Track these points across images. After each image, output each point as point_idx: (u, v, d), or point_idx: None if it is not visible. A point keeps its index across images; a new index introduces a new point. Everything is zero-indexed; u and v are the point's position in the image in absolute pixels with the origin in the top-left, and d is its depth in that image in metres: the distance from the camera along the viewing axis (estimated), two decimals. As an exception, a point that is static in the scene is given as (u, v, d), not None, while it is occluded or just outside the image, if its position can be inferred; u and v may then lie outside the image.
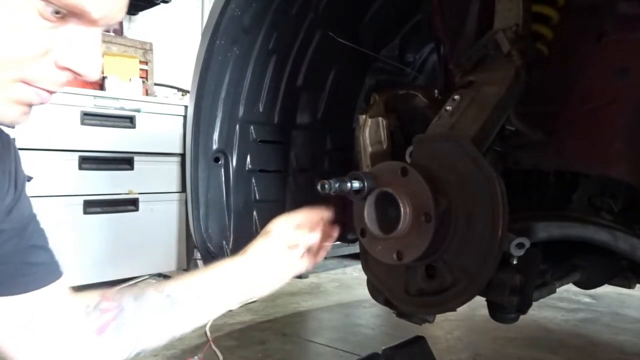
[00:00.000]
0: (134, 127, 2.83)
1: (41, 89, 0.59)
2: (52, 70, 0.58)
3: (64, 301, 0.86)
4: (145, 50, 3.45)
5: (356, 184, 0.94)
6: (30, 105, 0.60)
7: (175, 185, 3.03)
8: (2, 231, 0.78)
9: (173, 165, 3.03)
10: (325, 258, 4.13)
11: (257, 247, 0.98)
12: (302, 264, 1.02)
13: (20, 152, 2.55)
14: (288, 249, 0.98)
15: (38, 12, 0.54)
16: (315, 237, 1.01)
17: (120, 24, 3.62)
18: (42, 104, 0.61)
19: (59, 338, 0.83)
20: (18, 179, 0.81)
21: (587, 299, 3.04)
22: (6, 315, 0.81)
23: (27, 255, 0.82)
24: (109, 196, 2.72)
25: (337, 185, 0.98)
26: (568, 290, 2.97)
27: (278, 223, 1.01)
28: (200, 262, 2.86)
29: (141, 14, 3.86)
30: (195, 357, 2.06)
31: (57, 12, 0.55)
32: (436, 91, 1.31)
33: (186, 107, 2.95)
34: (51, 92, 0.61)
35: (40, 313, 0.82)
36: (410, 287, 1.07)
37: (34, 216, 0.85)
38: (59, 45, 0.57)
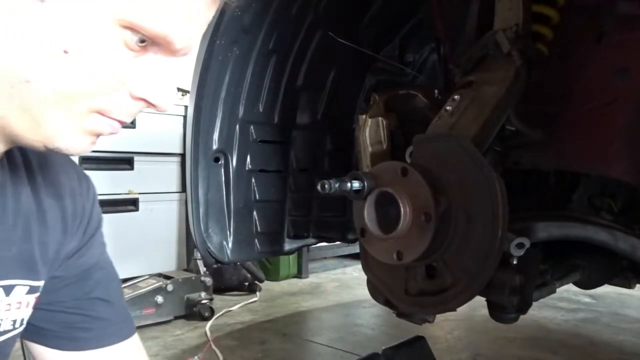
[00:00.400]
0: (134, 127, 2.83)
1: (114, 119, 0.57)
2: (127, 101, 0.56)
3: None
4: (145, 50, 3.45)
5: (356, 184, 0.94)
6: (99, 136, 0.58)
7: (175, 185, 3.03)
8: (57, 277, 0.72)
9: (173, 165, 3.03)
10: (325, 258, 4.14)
11: None
12: None
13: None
14: None
15: (123, 42, 0.52)
16: None
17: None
18: (112, 134, 0.59)
19: None
20: (91, 223, 0.77)
21: (587, 299, 3.04)
22: None
23: (88, 307, 0.76)
24: (109, 196, 2.72)
25: (337, 185, 0.98)
26: (568, 290, 2.97)
27: None
28: (200, 262, 2.86)
29: (141, 14, 3.86)
30: (195, 357, 2.06)
31: (141, 42, 0.53)
32: (436, 91, 1.31)
33: (186, 107, 2.95)
34: (122, 123, 0.58)
35: None
36: (410, 287, 1.07)
37: (102, 266, 0.79)
38: (136, 75, 0.55)
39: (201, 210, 1.47)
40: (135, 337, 0.82)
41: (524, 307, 1.05)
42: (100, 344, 0.77)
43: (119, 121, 0.58)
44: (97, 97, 0.54)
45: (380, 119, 1.30)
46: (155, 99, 0.57)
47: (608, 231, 1.08)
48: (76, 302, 0.75)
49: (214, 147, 1.47)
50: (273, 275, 3.52)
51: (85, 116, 0.55)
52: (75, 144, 0.56)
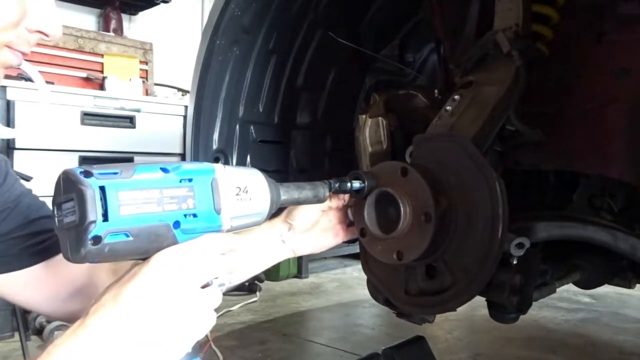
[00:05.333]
0: (134, 127, 2.83)
1: (19, 51, 0.69)
2: (26, 34, 0.68)
3: None
4: (145, 50, 3.44)
5: (356, 184, 0.94)
6: (6, 68, 0.70)
7: (175, 185, 3.03)
8: None
9: (173, 165, 3.03)
10: (325, 258, 4.14)
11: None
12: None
13: (20, 152, 2.56)
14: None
15: None
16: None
17: (121, 24, 3.62)
18: (18, 65, 0.71)
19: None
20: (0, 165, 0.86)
21: (587, 299, 3.04)
22: (37, 283, 0.84)
23: (34, 226, 0.85)
24: (109, 196, 2.72)
25: (337, 185, 0.98)
26: (568, 290, 2.97)
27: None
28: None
29: (141, 14, 3.86)
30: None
31: None
32: (436, 91, 1.30)
33: (186, 107, 2.95)
34: (24, 54, 0.71)
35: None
36: (410, 287, 1.07)
37: (27, 192, 0.88)
38: (29, 11, 0.67)
39: (201, 210, 1.47)
40: None
41: (524, 307, 1.05)
42: (58, 250, 0.86)
43: (23, 53, 0.70)
44: (6, 32, 0.65)
45: (380, 119, 1.30)
46: (49, 29, 0.70)
47: (608, 231, 1.08)
48: (22, 227, 0.84)
49: (214, 147, 1.47)
50: (273, 275, 3.52)
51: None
52: None
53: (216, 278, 0.63)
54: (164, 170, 0.59)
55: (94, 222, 0.52)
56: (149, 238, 0.56)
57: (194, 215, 0.59)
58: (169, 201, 0.57)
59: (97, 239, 0.53)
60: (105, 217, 0.53)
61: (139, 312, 0.55)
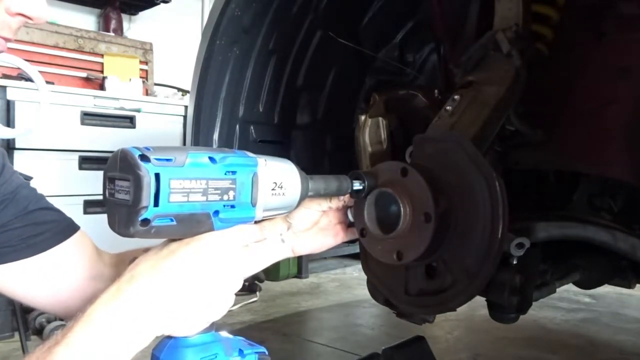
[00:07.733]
0: (134, 127, 2.83)
1: (0, 37, 0.66)
2: (6, 18, 0.64)
3: (91, 252, 0.90)
4: (145, 50, 3.44)
5: (356, 184, 0.94)
6: None
7: (175, 185, 3.03)
8: None
9: (173, 165, 3.03)
10: (325, 258, 4.13)
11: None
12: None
13: (20, 152, 2.56)
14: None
15: None
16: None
17: (121, 24, 3.62)
18: (0, 52, 0.67)
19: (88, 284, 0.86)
20: None
21: (587, 299, 3.04)
22: (35, 276, 0.84)
23: (32, 218, 0.84)
24: (109, 196, 2.72)
25: (337, 185, 0.98)
26: (568, 290, 2.97)
27: None
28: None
29: (141, 14, 3.86)
30: (195, 357, 2.05)
31: None
32: (436, 91, 1.30)
33: (186, 107, 2.95)
34: (6, 40, 0.67)
35: (70, 263, 0.87)
36: (410, 287, 1.07)
37: (25, 184, 0.87)
38: None
39: (201, 210, 1.47)
40: (83, 229, 0.91)
41: (524, 307, 1.05)
42: (57, 241, 0.86)
43: (4, 38, 0.66)
44: None
45: (380, 119, 1.30)
46: (31, 11, 0.65)
47: (608, 231, 1.08)
48: (20, 218, 0.83)
49: (214, 147, 1.48)
50: (273, 275, 3.52)
51: None
52: None
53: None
54: (212, 160, 0.62)
55: (146, 207, 0.55)
56: (191, 224, 0.61)
57: (232, 206, 0.64)
58: (213, 192, 0.61)
59: (145, 221, 0.56)
60: (156, 203, 0.56)
61: (175, 285, 0.61)
